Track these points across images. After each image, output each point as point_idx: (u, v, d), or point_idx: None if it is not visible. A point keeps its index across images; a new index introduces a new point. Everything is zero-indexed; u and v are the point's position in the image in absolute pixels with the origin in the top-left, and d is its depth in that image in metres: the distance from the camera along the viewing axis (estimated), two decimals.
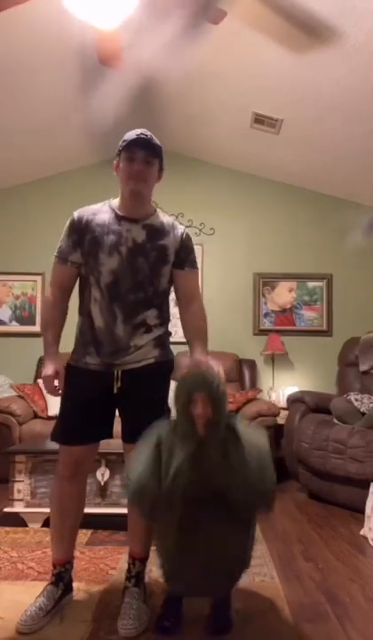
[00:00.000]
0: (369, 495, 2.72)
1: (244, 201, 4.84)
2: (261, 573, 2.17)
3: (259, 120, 3.89)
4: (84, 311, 1.92)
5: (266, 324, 4.76)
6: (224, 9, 2.49)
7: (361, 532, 2.70)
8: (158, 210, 2.01)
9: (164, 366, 1.92)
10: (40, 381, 4.24)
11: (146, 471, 1.57)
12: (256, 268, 4.81)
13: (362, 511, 2.76)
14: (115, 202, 1.96)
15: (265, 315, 4.77)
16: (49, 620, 1.77)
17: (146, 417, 1.72)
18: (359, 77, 3.15)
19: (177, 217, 4.71)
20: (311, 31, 2.76)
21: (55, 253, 1.98)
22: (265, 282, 4.79)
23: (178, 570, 1.67)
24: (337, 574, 2.21)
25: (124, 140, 1.87)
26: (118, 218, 1.91)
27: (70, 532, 1.94)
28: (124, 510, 1.97)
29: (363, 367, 4.09)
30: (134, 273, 1.86)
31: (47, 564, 2.23)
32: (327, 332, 4.73)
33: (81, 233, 1.91)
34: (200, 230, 4.71)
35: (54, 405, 3.95)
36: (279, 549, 2.49)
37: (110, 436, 1.92)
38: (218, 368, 1.68)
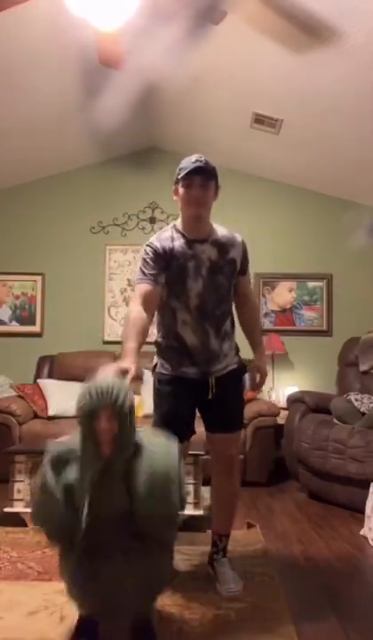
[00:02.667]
0: (369, 495, 2.72)
1: (244, 201, 4.84)
2: (261, 573, 2.18)
3: (259, 120, 3.89)
4: (170, 333, 2.07)
5: (266, 323, 4.76)
6: (225, 9, 2.49)
7: (361, 532, 2.70)
8: (213, 224, 2.13)
9: (240, 370, 2.17)
10: (40, 381, 4.24)
11: (49, 497, 1.46)
12: (256, 268, 4.76)
13: (362, 511, 2.76)
14: (179, 225, 2.09)
15: (265, 315, 4.77)
16: None
17: (235, 412, 2.14)
18: (359, 77, 3.14)
19: (177, 217, 4.71)
20: (311, 31, 2.76)
21: (139, 277, 2.02)
22: (265, 282, 4.79)
23: (82, 597, 1.56)
24: (337, 574, 2.21)
25: (181, 169, 2.01)
26: (189, 242, 2.04)
27: None
28: None
29: (363, 367, 4.09)
30: (216, 290, 2.05)
31: (47, 564, 2.23)
32: (327, 332, 4.73)
33: (167, 259, 2.01)
34: None
35: (54, 405, 3.95)
36: (279, 549, 2.49)
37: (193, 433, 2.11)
38: (131, 375, 1.65)
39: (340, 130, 3.76)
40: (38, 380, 4.29)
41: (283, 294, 4.79)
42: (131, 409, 1.47)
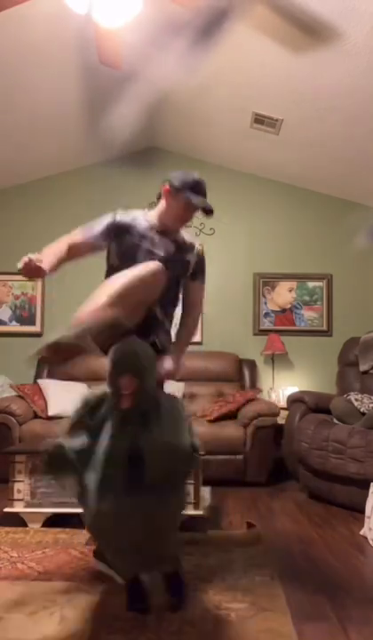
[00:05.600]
0: (369, 495, 2.71)
1: (244, 201, 4.84)
2: (261, 573, 2.17)
3: (259, 120, 3.89)
4: None
5: (266, 324, 4.76)
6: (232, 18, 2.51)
7: (361, 532, 2.70)
8: (183, 231, 2.25)
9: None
10: (40, 381, 4.24)
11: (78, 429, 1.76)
12: (256, 268, 4.81)
13: (362, 511, 2.75)
14: (152, 215, 2.22)
15: (265, 315, 4.77)
16: None
17: None
18: (359, 77, 3.15)
19: None
20: (311, 31, 2.76)
21: (84, 227, 2.17)
22: (265, 282, 4.79)
23: (107, 534, 1.77)
24: (337, 574, 2.21)
25: (187, 185, 2.11)
26: (154, 229, 2.17)
27: None
28: None
29: (363, 367, 4.09)
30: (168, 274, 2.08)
31: (47, 564, 2.23)
32: (327, 332, 4.73)
33: (116, 232, 2.14)
34: (200, 230, 4.71)
35: (54, 405, 3.95)
36: (279, 549, 2.49)
37: None
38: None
39: (340, 130, 3.76)
40: (38, 380, 4.29)
41: (283, 294, 4.79)
42: (150, 367, 1.75)
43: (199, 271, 2.26)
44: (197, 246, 2.27)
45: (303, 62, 3.07)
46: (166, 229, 2.18)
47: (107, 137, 3.93)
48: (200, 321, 3.00)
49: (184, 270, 2.20)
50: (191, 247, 2.24)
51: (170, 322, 2.20)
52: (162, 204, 2.20)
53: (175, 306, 2.23)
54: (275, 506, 3.28)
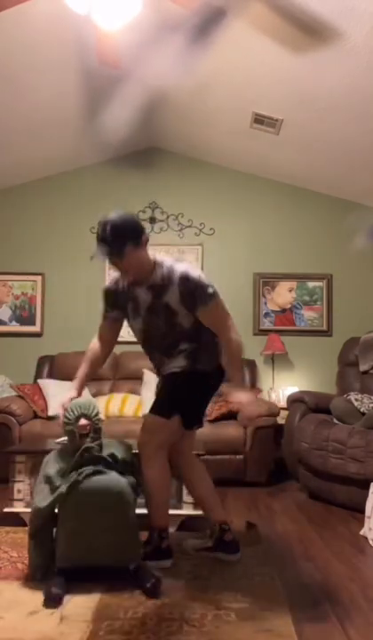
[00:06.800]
0: (369, 495, 2.71)
1: (244, 201, 4.84)
2: (261, 573, 2.17)
3: (259, 120, 3.89)
4: None
5: (266, 324, 4.76)
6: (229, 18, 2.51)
7: (361, 532, 2.70)
8: (156, 261, 2.17)
9: (181, 373, 2.24)
10: (40, 381, 4.24)
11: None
12: (256, 267, 4.81)
13: (362, 511, 2.75)
14: None
15: (265, 315, 4.77)
16: None
17: (157, 398, 2.32)
18: (359, 77, 3.15)
19: (177, 217, 4.72)
20: (311, 31, 2.76)
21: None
22: (265, 282, 4.79)
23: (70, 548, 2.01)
24: (337, 574, 2.21)
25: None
26: (130, 285, 2.20)
27: None
28: None
29: (363, 367, 4.09)
30: (157, 329, 2.20)
31: None
32: (327, 332, 4.73)
33: (113, 297, 2.30)
34: (200, 230, 4.71)
35: (54, 405, 3.94)
36: (279, 549, 2.49)
37: None
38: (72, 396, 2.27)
39: (340, 130, 3.76)
40: (38, 380, 4.29)
41: (283, 294, 4.79)
42: (98, 415, 2.16)
43: (192, 298, 2.11)
44: (175, 278, 2.12)
45: (303, 62, 3.07)
46: (134, 281, 2.19)
47: (106, 137, 3.93)
48: None
49: (170, 314, 2.15)
50: (167, 285, 2.13)
51: (186, 350, 2.20)
52: None
53: (185, 340, 2.20)
54: (275, 506, 3.28)
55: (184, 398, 2.23)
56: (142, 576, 1.99)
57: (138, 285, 2.18)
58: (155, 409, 2.23)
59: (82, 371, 2.38)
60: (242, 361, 2.37)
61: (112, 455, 2.15)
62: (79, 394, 2.33)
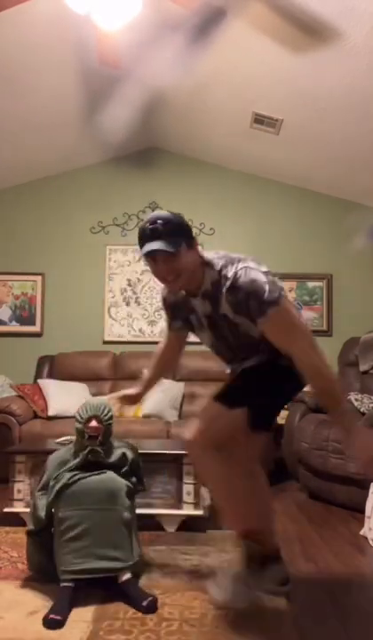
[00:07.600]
0: (369, 495, 2.71)
1: (244, 201, 4.84)
2: None
3: (259, 120, 3.89)
4: None
5: None
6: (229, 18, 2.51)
7: (361, 532, 2.70)
8: (205, 261, 1.80)
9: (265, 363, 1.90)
10: (40, 381, 4.24)
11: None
12: None
13: (362, 511, 2.75)
14: None
15: None
16: None
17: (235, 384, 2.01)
18: (359, 77, 3.15)
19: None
20: (311, 31, 2.76)
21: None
22: None
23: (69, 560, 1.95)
24: (337, 574, 2.21)
25: (139, 238, 1.75)
26: (187, 295, 1.89)
27: None
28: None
29: (363, 367, 4.09)
30: (225, 340, 1.89)
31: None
32: (327, 332, 4.73)
33: (171, 308, 2.07)
34: (200, 230, 4.70)
35: (54, 405, 3.95)
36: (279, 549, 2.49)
37: None
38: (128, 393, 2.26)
39: (340, 130, 3.76)
40: (38, 380, 4.29)
41: None
42: (111, 419, 2.18)
43: (246, 310, 1.71)
44: (224, 285, 1.73)
45: (303, 62, 3.07)
46: (187, 291, 1.85)
47: (106, 137, 3.93)
48: None
49: (232, 324, 1.80)
50: (218, 290, 1.76)
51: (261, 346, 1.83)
52: None
53: (257, 351, 1.86)
54: (275, 506, 3.26)
55: (256, 388, 1.85)
56: (136, 593, 1.89)
57: (192, 296, 1.85)
58: (219, 396, 1.85)
59: (148, 374, 2.26)
60: (340, 393, 1.89)
61: (123, 455, 2.18)
62: (140, 392, 2.28)
